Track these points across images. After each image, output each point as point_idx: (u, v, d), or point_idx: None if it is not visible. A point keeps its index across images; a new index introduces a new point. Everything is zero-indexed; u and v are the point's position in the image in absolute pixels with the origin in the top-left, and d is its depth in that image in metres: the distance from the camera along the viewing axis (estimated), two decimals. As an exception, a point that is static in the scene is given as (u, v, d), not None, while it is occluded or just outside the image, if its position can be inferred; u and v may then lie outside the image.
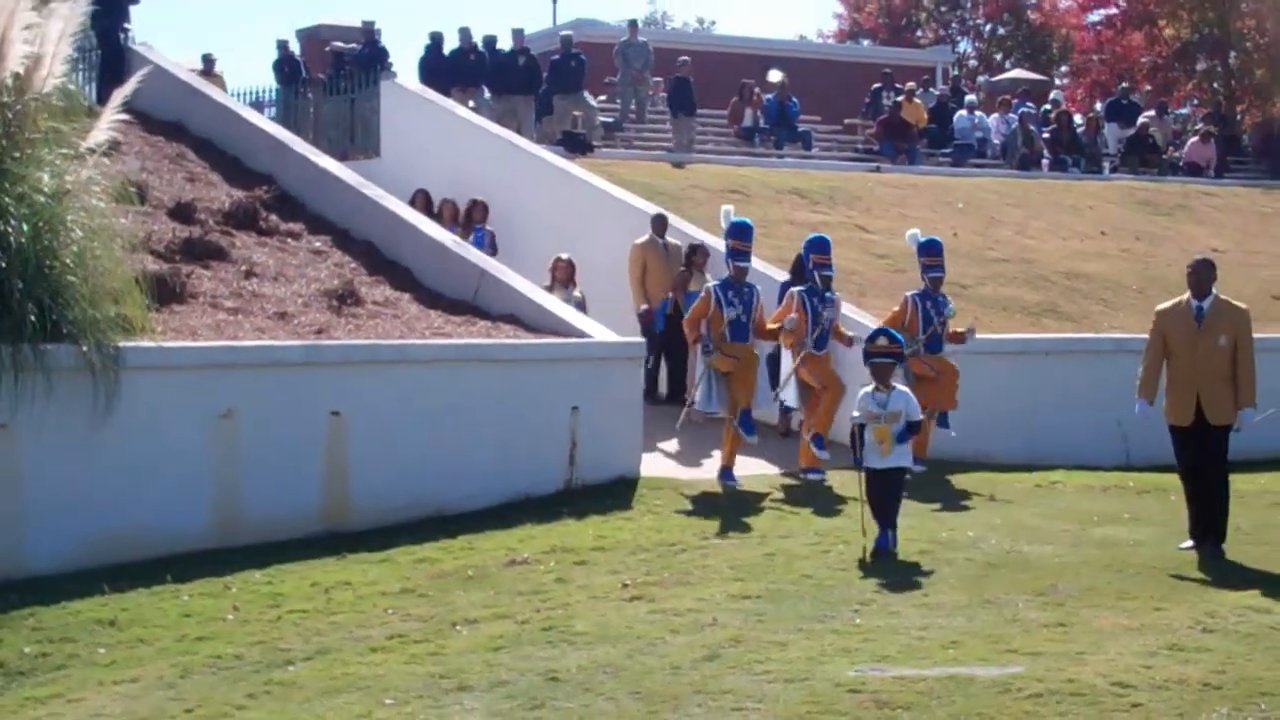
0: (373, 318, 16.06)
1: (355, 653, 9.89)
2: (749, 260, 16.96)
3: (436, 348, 15.17)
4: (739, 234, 16.90)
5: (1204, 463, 13.45)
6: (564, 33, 31.19)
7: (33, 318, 12.35)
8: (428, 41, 29.82)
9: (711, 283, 17.00)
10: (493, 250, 20.98)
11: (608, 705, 8.51)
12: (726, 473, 16.25)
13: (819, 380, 16.90)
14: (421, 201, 22.36)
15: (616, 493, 15.38)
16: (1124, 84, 42.92)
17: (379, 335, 15.35)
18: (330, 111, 28.35)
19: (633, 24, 33.84)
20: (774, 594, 11.25)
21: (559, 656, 9.57)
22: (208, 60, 29.91)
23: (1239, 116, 49.79)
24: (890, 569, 12.16)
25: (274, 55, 31.21)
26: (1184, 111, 51.71)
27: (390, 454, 14.37)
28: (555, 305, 17.28)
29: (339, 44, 31.23)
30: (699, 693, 8.70)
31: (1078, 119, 38.04)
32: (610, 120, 31.26)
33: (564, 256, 19.79)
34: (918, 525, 13.93)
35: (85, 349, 12.58)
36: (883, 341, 13.55)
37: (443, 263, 18.00)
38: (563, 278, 19.43)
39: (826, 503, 15.31)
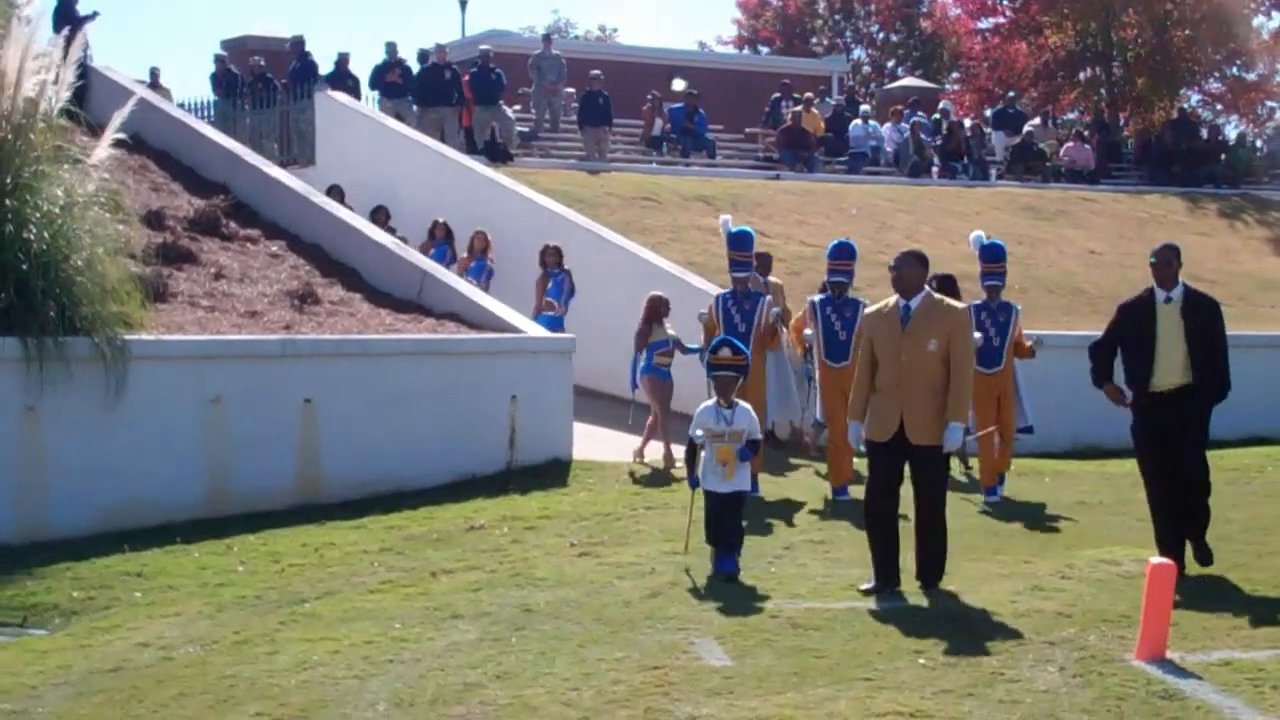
0: (331, 315, 17.80)
1: (356, 594, 11.73)
2: (749, 270, 16.78)
3: (394, 342, 16.95)
4: (738, 244, 16.76)
5: (916, 488, 11.82)
6: (483, 47, 32.87)
7: (53, 314, 14.14)
8: (384, 56, 31.60)
9: (720, 292, 17.12)
10: (571, 291, 21.54)
11: (576, 628, 10.40)
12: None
13: (831, 394, 16.02)
14: (442, 231, 23.84)
15: (553, 472, 17.12)
16: (1010, 93, 44.95)
17: (339, 331, 17.10)
18: (265, 122, 30.08)
19: (546, 38, 35.69)
20: (699, 551, 13.05)
21: (528, 596, 11.43)
22: (154, 74, 31.39)
23: (1122, 124, 52.02)
24: (797, 530, 14.08)
25: (208, 67, 32.93)
26: (1071, 117, 53.83)
27: (355, 436, 16.09)
28: (492, 304, 19.03)
29: (258, 59, 32.76)
30: (649, 619, 10.62)
31: (968, 122, 39.95)
32: (525, 130, 33.07)
33: (662, 295, 18.76)
34: (818, 495, 15.88)
35: (98, 341, 14.35)
36: (726, 353, 12.81)
37: (387, 264, 19.75)
38: (665, 313, 18.52)
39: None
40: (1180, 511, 12.39)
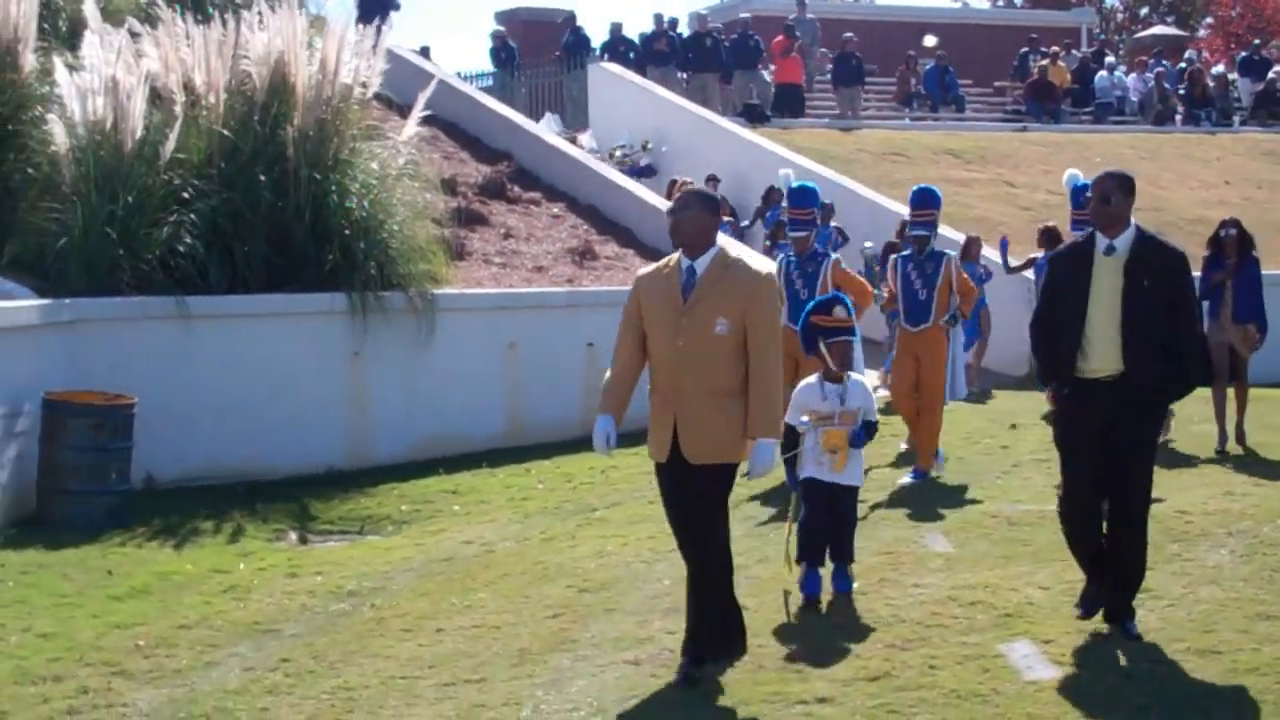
0: (607, 269, 19.87)
1: (638, 505, 13.72)
2: (807, 230, 14.89)
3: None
4: (799, 200, 15.08)
5: (690, 519, 8.66)
6: (742, 14, 34.94)
7: (373, 272, 16.34)
8: (652, 26, 33.74)
9: (782, 257, 15.45)
10: (843, 241, 23.13)
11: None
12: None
13: (905, 359, 14.96)
14: (778, 196, 24.27)
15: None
16: (1256, 40, 45.48)
17: (615, 284, 19.10)
18: (541, 90, 32.47)
19: (800, 2, 37.34)
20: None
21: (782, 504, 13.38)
22: (424, 51, 33.72)
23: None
24: (1025, 450, 15.71)
25: (485, 42, 35.36)
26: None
27: (631, 375, 18.11)
28: (751, 254, 20.95)
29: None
30: (886, 519, 12.55)
31: (1220, 69, 40.68)
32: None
33: (974, 235, 20.81)
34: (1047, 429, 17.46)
35: (411, 295, 16.52)
36: (840, 312, 10.56)
37: (657, 222, 21.65)
38: (975, 253, 20.81)
39: (978, 411, 18.86)
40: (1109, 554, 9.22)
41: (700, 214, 8.61)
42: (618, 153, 27.90)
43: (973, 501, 13.20)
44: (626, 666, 8.80)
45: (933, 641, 8.92)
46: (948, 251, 15.29)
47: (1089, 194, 9.50)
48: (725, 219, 24.26)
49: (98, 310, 14.87)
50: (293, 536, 13.68)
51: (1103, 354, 8.95)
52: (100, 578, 11.66)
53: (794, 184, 15.98)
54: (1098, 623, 9.08)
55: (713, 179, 25.86)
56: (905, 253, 15.18)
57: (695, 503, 8.54)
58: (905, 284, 14.77)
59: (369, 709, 8.43)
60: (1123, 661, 8.45)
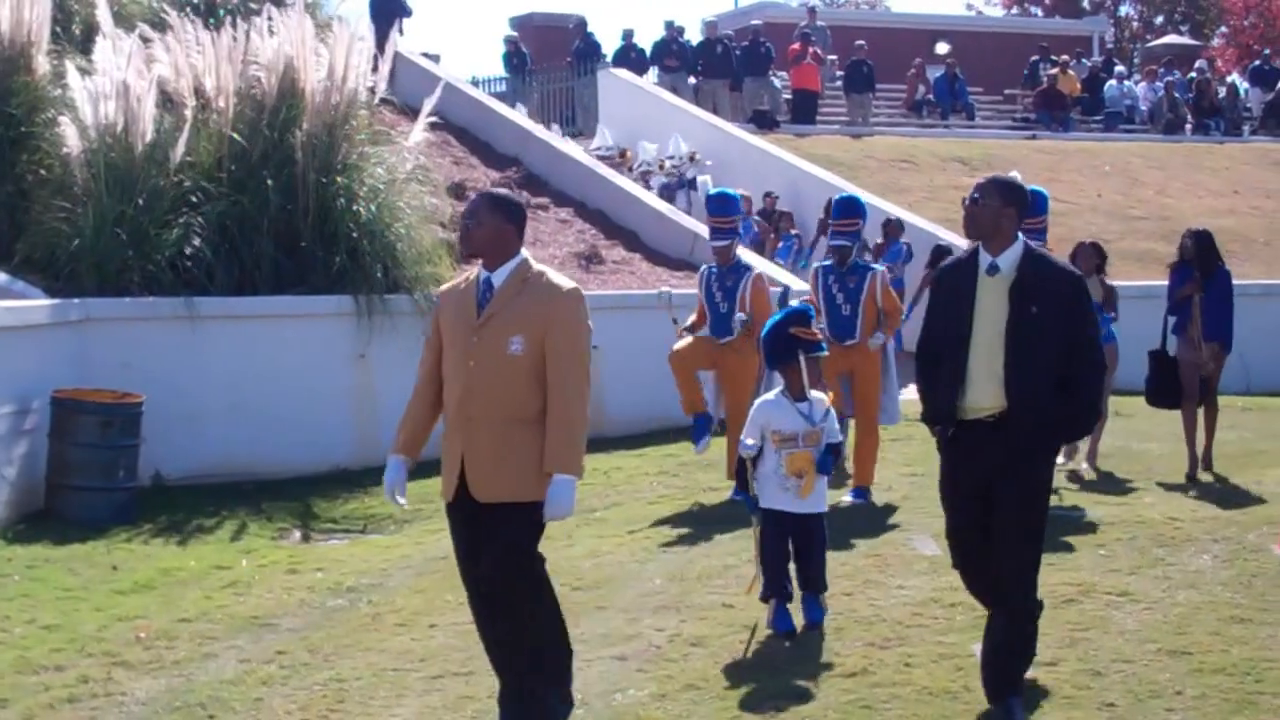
0: (614, 274, 20.08)
1: (638, 506, 13.98)
2: (728, 239, 14.23)
3: (667, 297, 19.07)
4: (719, 208, 14.46)
5: (483, 577, 7.75)
6: (753, 22, 35.22)
7: (379, 275, 16.58)
8: (663, 34, 33.94)
9: (704, 267, 14.79)
10: (910, 257, 22.26)
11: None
12: None
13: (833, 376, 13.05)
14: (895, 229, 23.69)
15: (812, 410, 19.19)
16: (1266, 50, 45.65)
17: (621, 288, 19.36)
18: (552, 96, 32.73)
19: (811, 10, 37.59)
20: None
21: (781, 506, 13.60)
22: (430, 55, 33.99)
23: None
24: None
25: (492, 45, 35.72)
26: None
27: (634, 378, 18.05)
28: (759, 262, 21.15)
29: None
30: (876, 523, 12.73)
31: (1234, 78, 40.89)
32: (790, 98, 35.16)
33: (1087, 241, 20.85)
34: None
35: (416, 298, 16.73)
36: (812, 326, 10.03)
37: (661, 227, 21.97)
38: (1087, 267, 20.93)
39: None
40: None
41: (493, 220, 7.60)
42: (667, 164, 28.03)
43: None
44: (612, 662, 9.04)
45: (911, 640, 9.15)
46: (874, 266, 14.66)
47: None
48: (793, 232, 24.50)
49: (107, 310, 15.14)
50: (296, 535, 13.97)
51: (984, 390, 7.71)
52: (105, 573, 11.96)
53: (711, 191, 15.49)
54: (1072, 624, 9.30)
55: (770, 196, 26.02)
56: (826, 263, 14.28)
57: (498, 547, 7.57)
58: (827, 298, 13.84)
59: (359, 700, 8.70)
60: (1093, 661, 8.66)
